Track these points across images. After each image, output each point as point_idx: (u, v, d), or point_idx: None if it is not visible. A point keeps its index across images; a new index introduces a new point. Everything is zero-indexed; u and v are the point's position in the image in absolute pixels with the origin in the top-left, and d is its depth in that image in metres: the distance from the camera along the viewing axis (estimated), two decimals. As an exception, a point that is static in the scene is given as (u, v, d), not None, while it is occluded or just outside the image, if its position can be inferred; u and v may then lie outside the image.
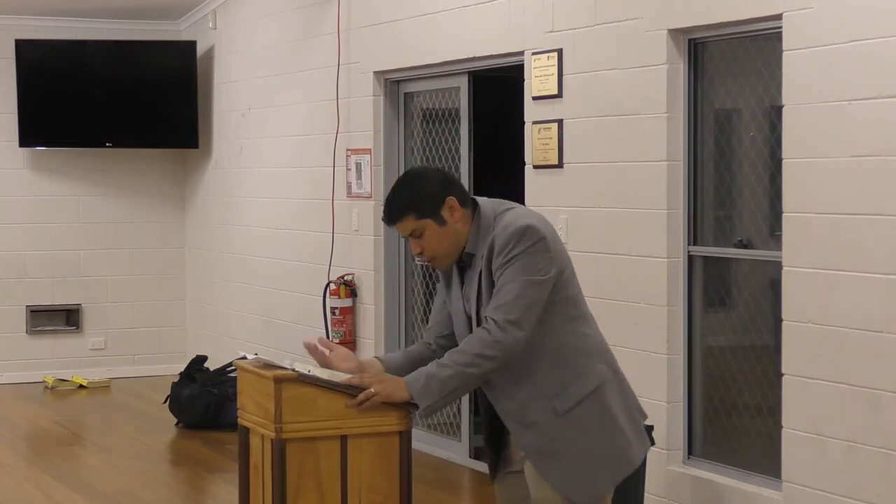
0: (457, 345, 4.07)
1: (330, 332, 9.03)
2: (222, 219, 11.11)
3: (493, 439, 4.21)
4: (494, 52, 7.57)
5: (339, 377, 4.12)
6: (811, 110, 5.54)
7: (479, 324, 4.02)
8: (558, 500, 4.03)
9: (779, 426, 5.79)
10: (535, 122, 7.14)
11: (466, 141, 8.09)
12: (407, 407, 4.01)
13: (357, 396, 3.99)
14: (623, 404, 4.08)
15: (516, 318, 3.87)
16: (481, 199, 4.10)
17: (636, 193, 6.51)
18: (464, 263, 4.10)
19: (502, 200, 4.12)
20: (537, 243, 3.92)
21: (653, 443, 6.08)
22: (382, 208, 4.14)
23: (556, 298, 3.98)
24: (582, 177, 6.85)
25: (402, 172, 8.67)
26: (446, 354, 3.96)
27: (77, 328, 11.58)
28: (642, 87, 6.43)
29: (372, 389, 3.98)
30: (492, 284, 3.96)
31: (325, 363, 4.20)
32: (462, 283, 4.12)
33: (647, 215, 6.45)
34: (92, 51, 11.21)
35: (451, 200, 4.02)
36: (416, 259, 4.13)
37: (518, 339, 3.89)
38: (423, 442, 7.93)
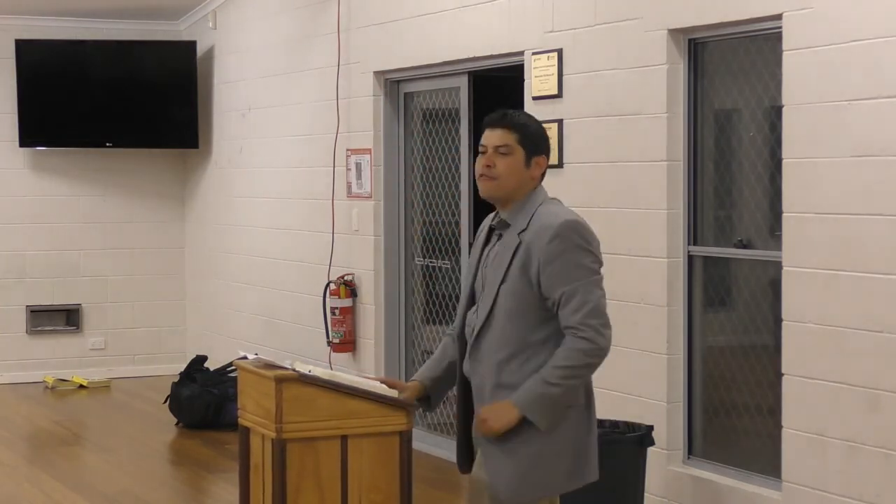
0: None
1: (330, 332, 9.03)
2: (222, 219, 11.11)
3: (464, 434, 4.23)
4: (494, 52, 7.57)
5: (340, 377, 4.12)
6: (811, 110, 5.54)
7: (481, 291, 4.11)
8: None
9: (779, 426, 5.79)
10: (535, 122, 7.13)
11: (466, 141, 8.09)
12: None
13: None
14: (582, 433, 4.11)
15: (607, 320, 4.00)
16: (541, 185, 4.21)
17: (636, 193, 6.51)
18: (496, 226, 4.15)
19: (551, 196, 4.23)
20: (592, 243, 4.08)
21: (652, 443, 6.10)
22: (494, 113, 4.23)
23: None
24: (582, 177, 6.85)
25: (402, 172, 8.73)
26: (550, 369, 3.96)
27: (77, 328, 11.58)
28: (642, 87, 6.43)
29: (491, 426, 4.00)
30: (525, 267, 4.00)
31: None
32: (484, 245, 4.18)
33: (647, 215, 6.45)
34: (92, 51, 11.21)
35: (543, 160, 4.17)
36: (479, 171, 4.15)
37: (611, 337, 4.01)
38: (423, 442, 7.93)
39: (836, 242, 5.45)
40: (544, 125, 6.98)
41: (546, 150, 4.21)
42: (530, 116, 4.30)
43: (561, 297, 3.97)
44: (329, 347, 9.06)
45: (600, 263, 4.11)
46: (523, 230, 4.06)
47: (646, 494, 6.17)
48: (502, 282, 4.03)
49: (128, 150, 11.48)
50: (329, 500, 4.08)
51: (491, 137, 4.15)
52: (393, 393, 4.20)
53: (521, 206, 4.10)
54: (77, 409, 10.41)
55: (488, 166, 4.12)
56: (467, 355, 4.12)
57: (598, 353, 3.98)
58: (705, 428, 6.43)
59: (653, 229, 6.42)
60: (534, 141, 4.16)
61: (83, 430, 9.65)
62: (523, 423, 4.00)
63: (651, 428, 6.12)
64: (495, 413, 4.00)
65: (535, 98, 7.14)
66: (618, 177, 6.62)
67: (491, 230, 4.19)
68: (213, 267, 11.32)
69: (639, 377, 6.51)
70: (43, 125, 11.18)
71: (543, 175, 4.20)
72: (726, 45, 6.25)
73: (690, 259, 6.40)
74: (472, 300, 4.20)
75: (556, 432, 4.02)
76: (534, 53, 7.14)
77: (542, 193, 4.17)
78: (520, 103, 7.27)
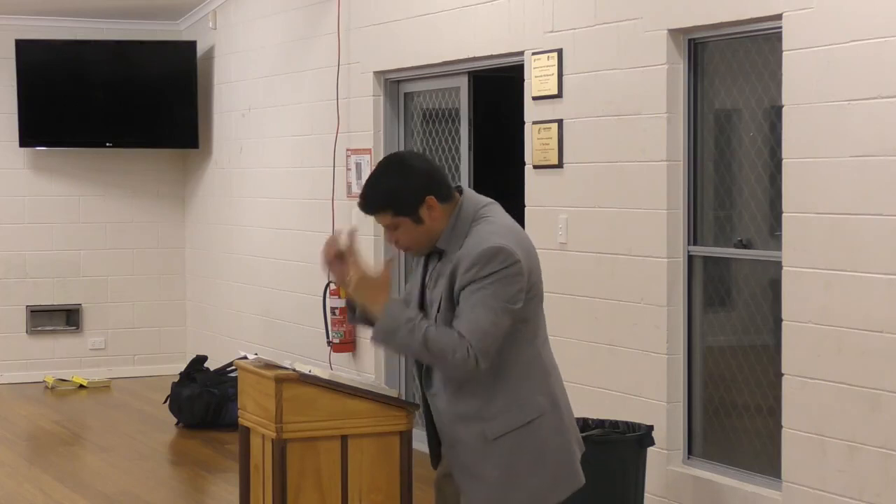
0: None
1: (330, 332, 9.03)
2: (222, 219, 11.11)
3: (433, 436, 4.14)
4: (494, 52, 7.57)
5: (339, 377, 4.12)
6: (811, 110, 5.54)
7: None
8: None
9: (779, 426, 5.79)
10: (535, 122, 7.14)
11: (466, 141, 8.09)
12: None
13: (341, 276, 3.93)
14: (556, 440, 3.97)
15: (487, 350, 3.78)
16: (467, 193, 4.00)
17: (636, 193, 6.51)
18: (434, 249, 4.01)
19: (484, 201, 4.00)
20: (511, 267, 3.81)
21: (652, 443, 6.10)
22: (360, 195, 4.03)
23: (519, 314, 3.88)
24: (582, 177, 6.85)
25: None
26: (426, 328, 3.82)
27: (77, 328, 11.58)
28: (642, 87, 6.43)
29: (353, 285, 3.88)
30: (451, 296, 3.86)
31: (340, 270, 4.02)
32: (425, 270, 4.05)
33: (647, 215, 6.45)
34: (92, 51, 11.21)
35: (431, 200, 3.92)
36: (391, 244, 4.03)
37: (480, 370, 3.81)
38: (424, 442, 7.91)
39: (836, 242, 5.45)
40: (544, 125, 7.05)
41: (426, 188, 3.91)
42: (389, 173, 3.98)
43: (459, 312, 3.84)
44: (329, 347, 9.06)
45: (519, 291, 3.83)
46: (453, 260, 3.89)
47: (646, 494, 6.17)
48: (438, 310, 3.92)
49: (128, 150, 11.48)
50: (329, 500, 4.07)
51: (377, 220, 4.02)
52: (393, 393, 4.20)
53: (450, 233, 3.93)
54: (77, 409, 10.41)
55: (395, 243, 4.00)
56: (423, 374, 4.04)
57: (457, 363, 3.77)
58: (705, 428, 6.43)
59: (653, 229, 6.42)
60: (407, 200, 3.91)
61: (83, 430, 9.65)
62: (487, 448, 3.91)
63: (651, 428, 6.12)
64: (368, 291, 3.87)
65: (535, 98, 7.14)
66: (618, 177, 6.61)
67: (428, 257, 4.05)
68: (213, 267, 11.32)
69: (639, 377, 6.51)
70: (43, 125, 11.18)
71: (445, 197, 3.94)
72: (726, 45, 6.25)
73: (690, 259, 6.40)
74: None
75: (524, 451, 3.91)
76: (534, 53, 7.14)
77: (468, 210, 3.95)
78: (520, 103, 7.27)
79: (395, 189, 3.94)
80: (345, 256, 3.95)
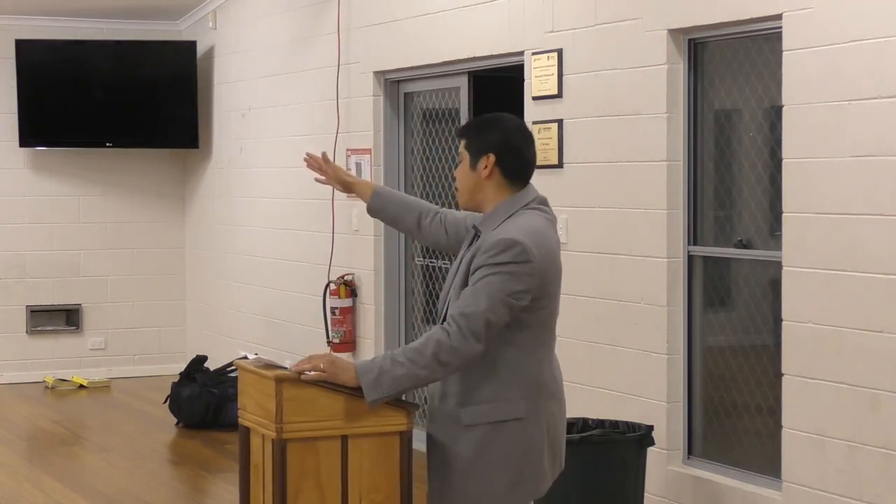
0: (450, 233, 4.24)
1: (330, 332, 9.03)
2: (222, 219, 11.11)
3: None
4: (494, 52, 7.58)
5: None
6: (811, 110, 5.54)
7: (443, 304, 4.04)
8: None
9: (779, 426, 5.79)
10: (535, 122, 7.14)
11: (466, 141, 8.08)
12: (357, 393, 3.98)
13: (305, 370, 3.98)
14: (525, 447, 3.97)
15: (478, 331, 3.81)
16: (528, 189, 4.02)
17: (636, 193, 6.51)
18: (474, 230, 4.07)
19: (533, 205, 4.01)
20: (522, 264, 3.84)
21: (652, 443, 6.10)
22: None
23: (522, 319, 3.91)
24: (582, 177, 6.85)
25: (402, 172, 8.74)
26: (402, 349, 3.90)
27: (77, 328, 11.59)
28: (642, 87, 6.43)
29: (321, 366, 3.95)
30: (466, 278, 3.92)
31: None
32: (468, 247, 4.10)
33: (647, 215, 6.45)
34: (92, 51, 11.21)
35: (491, 158, 3.99)
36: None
37: (476, 351, 3.84)
38: (424, 442, 7.91)
39: (836, 242, 5.45)
40: (544, 125, 7.04)
41: (497, 146, 3.99)
42: (483, 118, 4.13)
43: (463, 292, 3.89)
44: (329, 347, 9.06)
45: (525, 290, 3.85)
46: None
47: (646, 494, 6.17)
48: (459, 287, 3.95)
49: (128, 150, 11.48)
50: (329, 500, 4.07)
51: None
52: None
53: (490, 217, 4.00)
54: (77, 409, 10.41)
55: (454, 178, 4.12)
56: None
57: (451, 353, 3.81)
58: (705, 428, 6.43)
59: (653, 229, 6.42)
60: (479, 141, 4.03)
61: (83, 430, 9.65)
62: (459, 432, 3.95)
63: (651, 428, 6.12)
64: (337, 367, 3.94)
65: (535, 98, 7.14)
66: (618, 177, 6.62)
67: (476, 229, 4.10)
68: (213, 267, 11.32)
69: (639, 377, 6.51)
70: (43, 125, 11.19)
71: (508, 172, 3.99)
72: (726, 45, 6.25)
73: (690, 259, 6.40)
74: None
75: (491, 447, 3.94)
76: (534, 53, 7.14)
77: (515, 203, 3.98)
78: (520, 103, 7.27)
79: (478, 127, 4.09)
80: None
